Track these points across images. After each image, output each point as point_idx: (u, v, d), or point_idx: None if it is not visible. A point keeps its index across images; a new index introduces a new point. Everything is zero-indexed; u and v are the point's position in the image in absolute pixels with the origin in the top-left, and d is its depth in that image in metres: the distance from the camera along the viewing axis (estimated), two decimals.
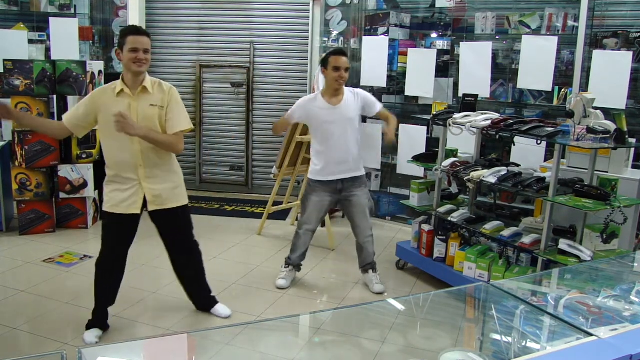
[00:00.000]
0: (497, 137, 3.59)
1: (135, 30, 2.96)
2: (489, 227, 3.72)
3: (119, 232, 3.12)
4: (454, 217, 3.93)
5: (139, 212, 3.06)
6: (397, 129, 3.74)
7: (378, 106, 3.83)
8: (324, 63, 3.66)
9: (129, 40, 2.91)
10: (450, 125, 3.87)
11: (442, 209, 4.08)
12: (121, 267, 3.20)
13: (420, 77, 5.11)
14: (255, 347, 2.16)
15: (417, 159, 4.31)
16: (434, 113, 4.38)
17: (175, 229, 3.26)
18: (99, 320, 3.17)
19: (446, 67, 5.24)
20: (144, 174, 3.03)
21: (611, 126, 3.24)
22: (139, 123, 2.94)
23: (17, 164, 4.72)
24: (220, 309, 3.44)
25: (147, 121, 2.98)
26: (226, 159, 6.53)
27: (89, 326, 3.15)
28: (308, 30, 6.00)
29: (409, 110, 5.63)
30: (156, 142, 2.98)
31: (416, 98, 5.48)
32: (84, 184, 4.94)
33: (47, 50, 5.67)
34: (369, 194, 3.93)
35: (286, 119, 3.85)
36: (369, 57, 5.43)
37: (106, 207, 3.08)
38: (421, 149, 4.90)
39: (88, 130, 3.14)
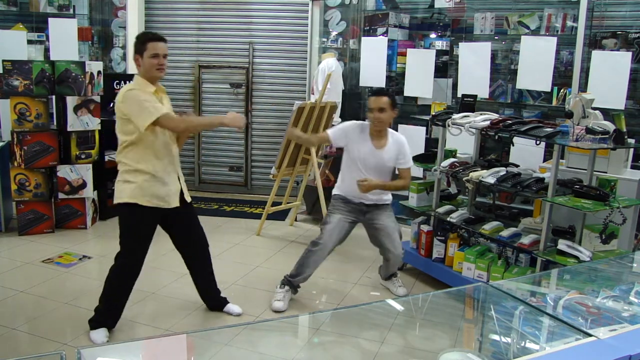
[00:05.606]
0: (496, 137, 3.59)
1: (154, 37, 3.05)
2: (488, 227, 3.72)
3: None
4: (453, 218, 3.93)
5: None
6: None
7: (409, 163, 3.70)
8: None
9: (150, 47, 2.98)
10: (449, 125, 3.88)
11: (441, 210, 4.08)
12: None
13: (419, 77, 5.11)
14: (254, 347, 2.17)
15: (416, 159, 4.30)
16: (433, 113, 4.38)
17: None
18: (112, 320, 3.17)
19: (445, 67, 5.24)
20: None
21: (610, 126, 3.24)
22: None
23: (16, 164, 4.71)
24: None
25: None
26: (225, 159, 6.53)
27: (98, 325, 3.11)
28: (307, 31, 6.00)
29: (408, 111, 5.63)
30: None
31: (415, 98, 5.48)
32: (83, 185, 4.93)
33: (46, 50, 5.67)
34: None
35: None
36: (368, 58, 5.43)
37: None
38: (420, 149, 4.89)
39: None
